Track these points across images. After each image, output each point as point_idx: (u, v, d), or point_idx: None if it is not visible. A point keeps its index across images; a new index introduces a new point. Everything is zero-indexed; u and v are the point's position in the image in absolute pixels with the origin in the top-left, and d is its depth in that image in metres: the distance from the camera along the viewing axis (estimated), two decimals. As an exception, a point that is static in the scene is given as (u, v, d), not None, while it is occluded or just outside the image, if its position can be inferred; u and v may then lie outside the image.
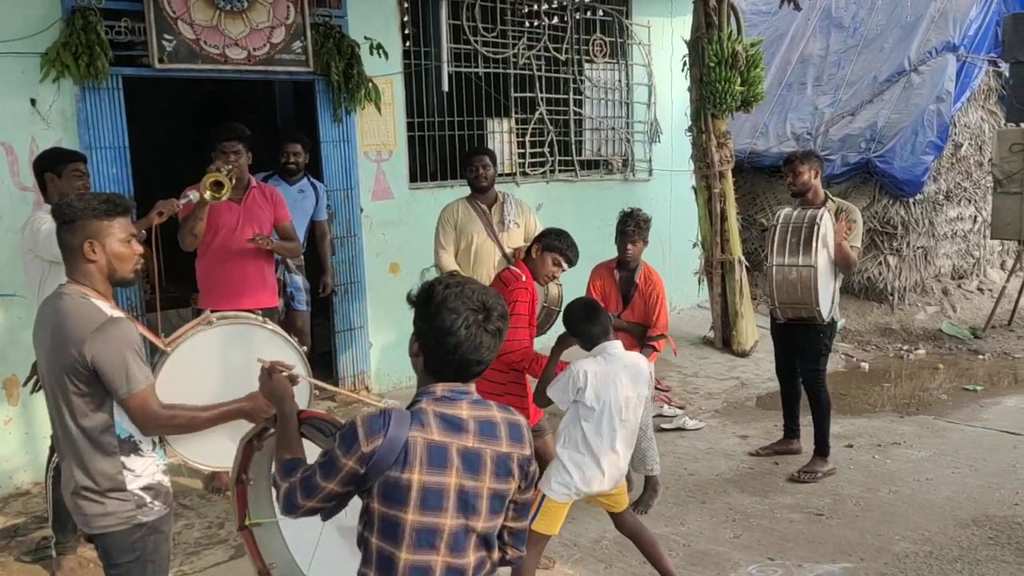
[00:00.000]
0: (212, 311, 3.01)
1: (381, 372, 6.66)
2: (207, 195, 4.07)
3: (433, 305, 1.96)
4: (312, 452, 2.12)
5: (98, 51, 4.82)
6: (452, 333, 1.93)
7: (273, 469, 2.13)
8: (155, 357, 2.62)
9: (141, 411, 2.39)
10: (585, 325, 3.50)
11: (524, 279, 4.00)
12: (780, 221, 4.83)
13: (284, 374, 2.37)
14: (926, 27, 9.71)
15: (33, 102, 4.84)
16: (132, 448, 2.48)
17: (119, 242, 2.44)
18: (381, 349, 6.63)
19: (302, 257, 5.60)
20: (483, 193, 5.09)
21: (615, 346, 3.46)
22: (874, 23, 10.31)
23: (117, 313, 2.41)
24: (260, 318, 2.85)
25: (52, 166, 3.91)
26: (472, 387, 2.03)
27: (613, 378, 3.38)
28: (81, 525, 2.52)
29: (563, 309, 3.73)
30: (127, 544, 2.47)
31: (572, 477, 3.41)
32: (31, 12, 4.79)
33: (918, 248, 9.25)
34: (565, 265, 4.03)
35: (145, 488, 2.49)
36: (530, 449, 2.06)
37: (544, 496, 3.45)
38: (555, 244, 3.98)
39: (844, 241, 4.80)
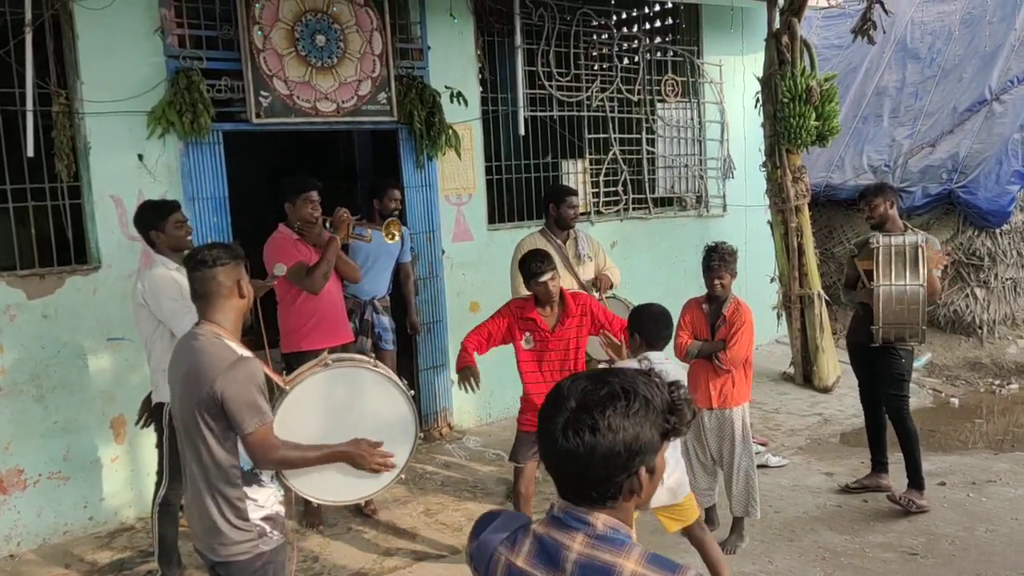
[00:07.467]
0: (328, 352, 3.18)
1: (462, 409, 6.77)
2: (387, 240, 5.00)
3: None
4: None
5: (201, 108, 5.08)
6: None
7: None
8: (275, 394, 2.77)
9: (260, 446, 2.52)
10: (652, 325, 3.82)
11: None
12: (881, 243, 4.86)
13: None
14: (1006, 56, 9.55)
15: (140, 157, 5.07)
16: (254, 479, 2.62)
17: (249, 284, 2.68)
18: (462, 387, 6.75)
19: (388, 298, 5.78)
20: (565, 230, 5.28)
21: (656, 356, 3.75)
22: (952, 53, 10.18)
23: (246, 353, 2.57)
24: (372, 361, 2.99)
25: (155, 224, 4.07)
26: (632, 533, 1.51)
27: None
28: (207, 552, 2.64)
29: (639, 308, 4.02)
30: (250, 572, 2.59)
31: None
32: (138, 73, 5.04)
33: (1007, 280, 8.97)
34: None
35: (265, 518, 2.62)
36: None
37: None
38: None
39: (936, 269, 4.81)
